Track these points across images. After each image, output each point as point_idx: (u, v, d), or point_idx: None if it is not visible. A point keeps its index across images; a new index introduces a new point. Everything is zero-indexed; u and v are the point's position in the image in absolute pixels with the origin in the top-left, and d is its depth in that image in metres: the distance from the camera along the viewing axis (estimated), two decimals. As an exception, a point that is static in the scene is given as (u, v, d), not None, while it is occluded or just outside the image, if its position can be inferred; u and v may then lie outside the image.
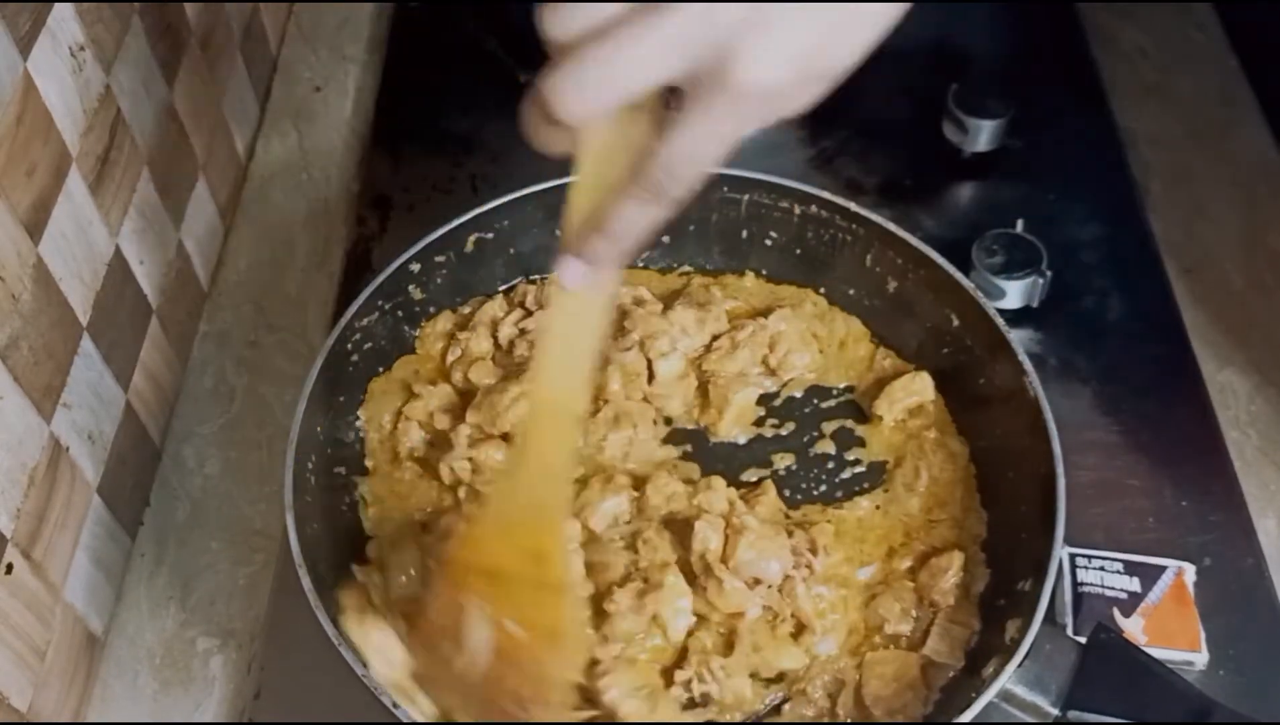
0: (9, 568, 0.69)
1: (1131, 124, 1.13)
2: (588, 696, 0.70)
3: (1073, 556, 0.80)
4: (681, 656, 0.74)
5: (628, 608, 0.73)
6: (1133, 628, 0.77)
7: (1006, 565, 0.76)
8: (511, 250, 0.91)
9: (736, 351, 0.87)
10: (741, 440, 0.86)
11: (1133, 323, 0.96)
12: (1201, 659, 0.77)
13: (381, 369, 0.87)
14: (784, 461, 0.85)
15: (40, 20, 0.74)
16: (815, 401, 0.88)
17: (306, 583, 0.71)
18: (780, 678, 0.74)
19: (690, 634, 0.74)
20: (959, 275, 0.85)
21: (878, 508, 0.82)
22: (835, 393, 0.89)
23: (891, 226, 0.87)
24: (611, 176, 0.54)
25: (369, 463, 0.84)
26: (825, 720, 0.73)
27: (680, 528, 0.77)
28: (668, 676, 0.74)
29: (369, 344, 0.86)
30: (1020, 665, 0.67)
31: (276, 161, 1.13)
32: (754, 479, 0.83)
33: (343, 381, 0.84)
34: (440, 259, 0.89)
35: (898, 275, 0.89)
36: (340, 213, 1.08)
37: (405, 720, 0.66)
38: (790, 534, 0.77)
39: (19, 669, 0.71)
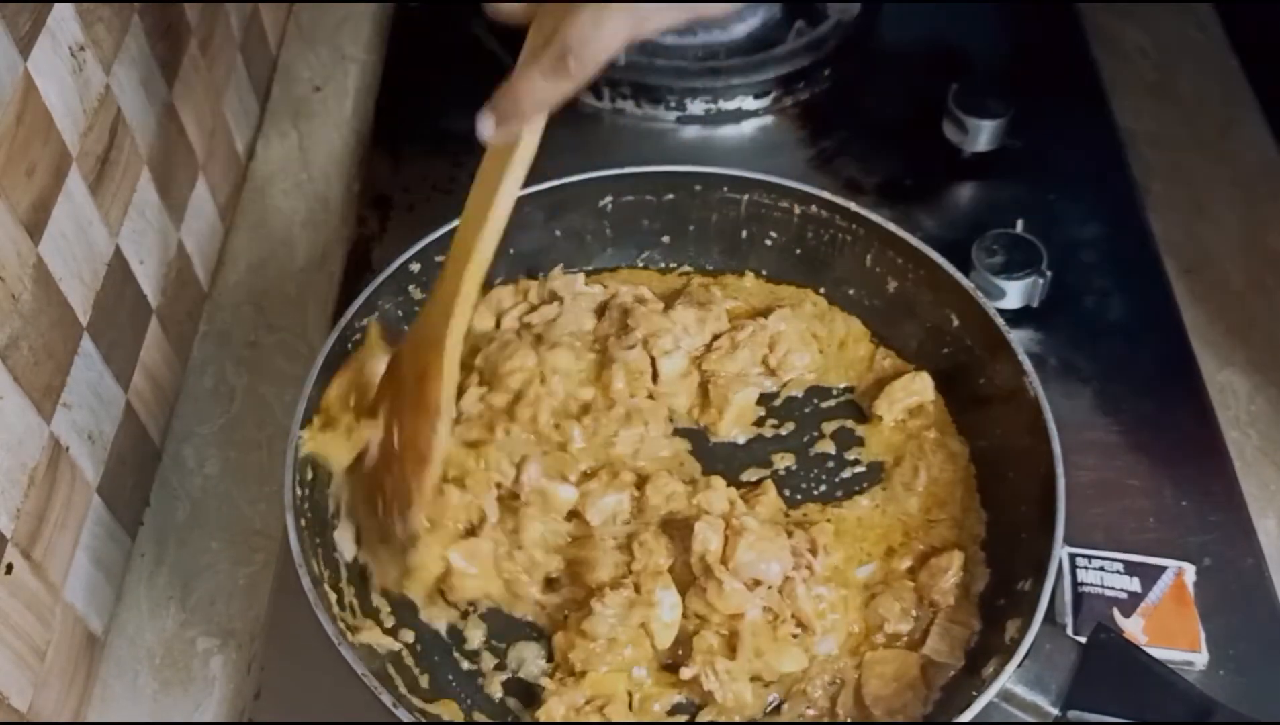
0: (9, 568, 0.69)
1: (1131, 124, 1.13)
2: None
3: (1073, 556, 0.80)
4: (685, 653, 0.74)
5: (614, 615, 0.73)
6: (1133, 628, 0.77)
7: (1006, 565, 0.76)
8: (511, 250, 0.91)
9: (736, 351, 0.87)
10: (741, 440, 0.86)
11: (1133, 323, 0.96)
12: (1201, 659, 0.77)
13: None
14: (784, 461, 0.85)
15: (40, 20, 0.74)
16: (815, 401, 0.88)
17: (306, 582, 0.71)
18: (780, 678, 0.74)
19: (695, 633, 0.74)
20: (959, 275, 0.85)
21: (877, 506, 0.82)
22: (835, 393, 0.89)
23: (891, 226, 0.87)
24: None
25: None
26: (825, 720, 0.73)
27: (680, 528, 0.77)
28: (671, 673, 0.74)
29: (369, 344, 0.86)
30: (1020, 665, 0.67)
31: (276, 161, 1.13)
32: (754, 479, 0.84)
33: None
34: (440, 259, 0.87)
35: (898, 275, 0.89)
36: (340, 213, 1.08)
37: (405, 720, 0.66)
38: (790, 534, 0.77)
39: (19, 669, 0.71)
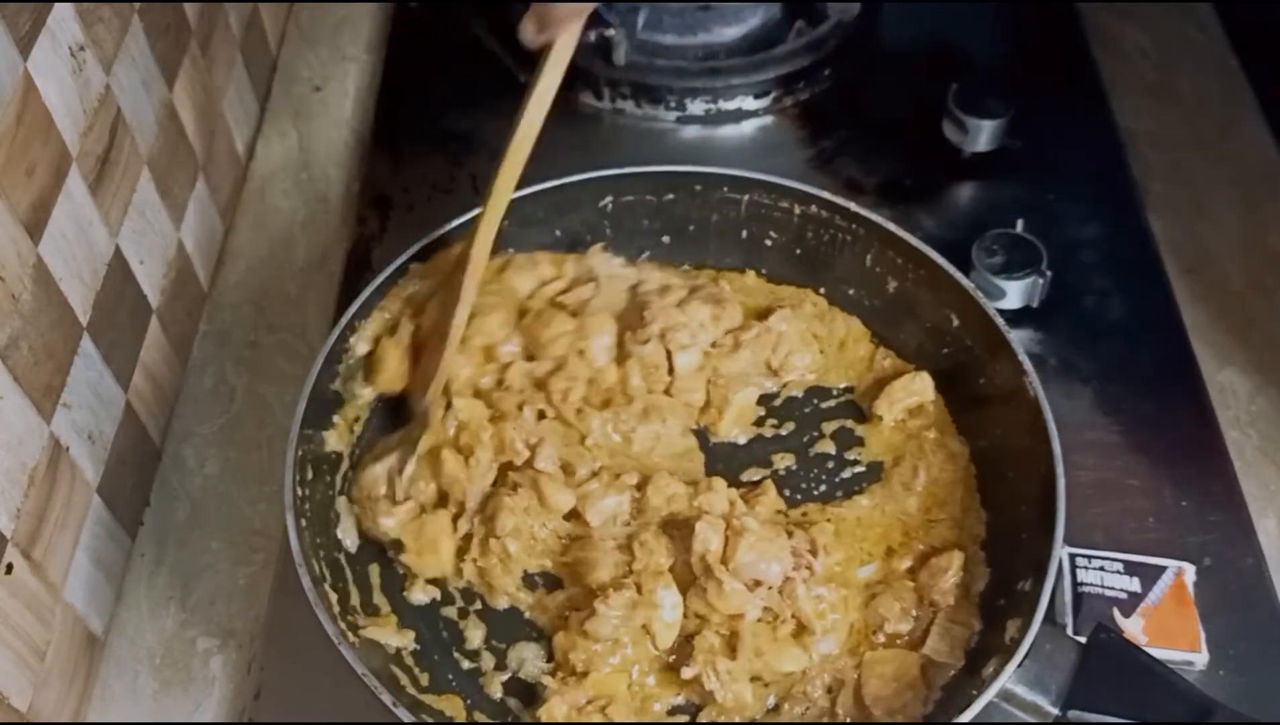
0: (9, 568, 0.69)
1: (1131, 124, 1.13)
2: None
3: (1073, 556, 0.80)
4: (686, 653, 0.74)
5: (618, 615, 0.73)
6: (1133, 628, 0.77)
7: (1006, 565, 0.76)
8: (511, 250, 0.91)
9: (739, 352, 0.87)
10: (741, 440, 0.86)
11: (1133, 323, 0.96)
12: (1201, 659, 0.77)
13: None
14: (784, 461, 0.85)
15: (40, 20, 0.74)
16: (815, 401, 0.88)
17: (306, 582, 0.71)
18: (780, 678, 0.74)
19: (697, 633, 0.74)
20: (959, 275, 0.85)
21: (877, 505, 0.82)
22: (835, 393, 0.89)
23: (891, 226, 0.87)
24: None
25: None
26: (825, 720, 0.73)
27: (680, 528, 0.77)
28: (672, 673, 0.74)
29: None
30: (1020, 665, 0.67)
31: (276, 161, 1.13)
32: (754, 479, 0.84)
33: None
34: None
35: (898, 275, 0.89)
36: (340, 213, 1.08)
37: (406, 720, 0.66)
38: (790, 534, 0.77)
39: (19, 669, 0.71)
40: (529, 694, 0.75)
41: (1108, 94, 1.14)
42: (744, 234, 0.93)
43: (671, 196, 0.92)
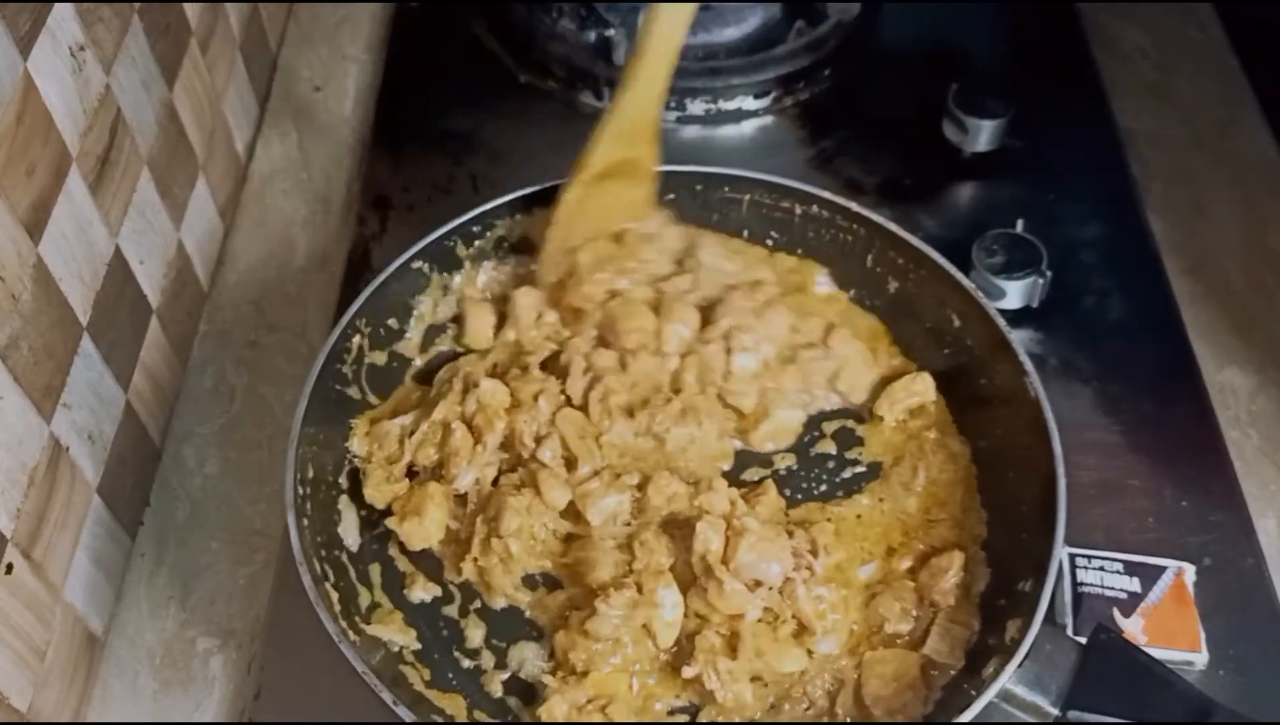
0: (9, 568, 0.69)
1: (1131, 124, 1.13)
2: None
3: (1073, 557, 0.80)
4: (686, 653, 0.74)
5: (618, 615, 0.73)
6: (1133, 628, 0.77)
7: (1007, 565, 0.76)
8: (508, 243, 0.91)
9: (795, 367, 0.86)
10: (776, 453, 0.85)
11: (1133, 323, 0.96)
12: (1201, 659, 0.77)
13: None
14: (784, 461, 0.85)
15: (40, 20, 0.74)
16: (815, 401, 0.88)
17: (307, 580, 0.71)
18: (780, 678, 0.74)
19: (697, 633, 0.74)
20: (959, 275, 0.85)
21: (878, 503, 0.82)
22: (836, 393, 0.89)
23: (892, 226, 0.87)
24: None
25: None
26: (825, 720, 0.73)
27: (681, 528, 0.77)
28: (672, 672, 0.74)
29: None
30: (1020, 665, 0.67)
31: (276, 161, 1.13)
32: (755, 479, 0.84)
33: (343, 381, 0.84)
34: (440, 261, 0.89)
35: (899, 275, 0.89)
36: (340, 213, 1.08)
37: (407, 720, 0.66)
38: (791, 534, 0.77)
39: (19, 669, 0.71)
40: (529, 693, 0.75)
41: (1108, 94, 1.14)
42: (745, 234, 0.93)
43: (672, 196, 0.92)
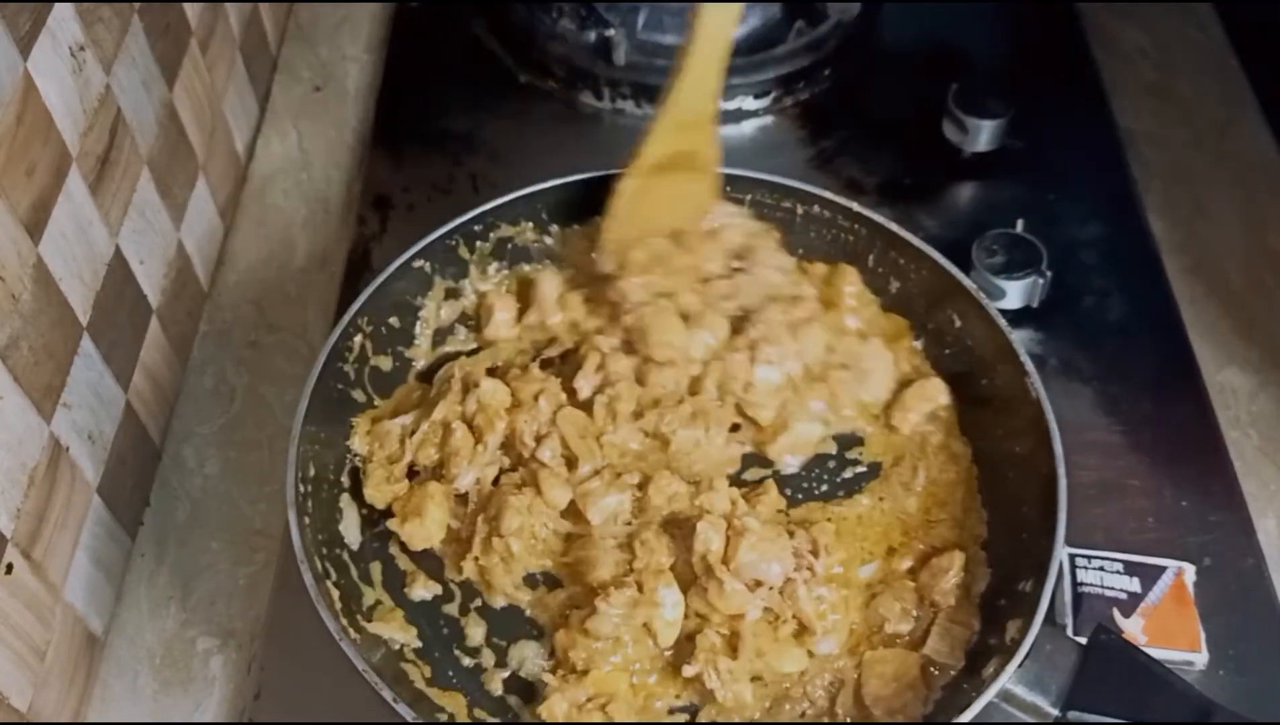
0: (9, 568, 0.69)
1: (1131, 124, 1.13)
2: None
3: (1073, 557, 0.80)
4: (686, 652, 0.74)
5: (618, 614, 0.73)
6: (1133, 628, 0.77)
7: (1007, 565, 0.76)
8: (509, 244, 0.91)
9: (822, 385, 0.85)
10: (794, 467, 0.84)
11: (1133, 323, 0.96)
12: (1201, 659, 0.77)
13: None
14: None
15: (40, 20, 0.74)
16: (816, 401, 0.88)
17: (308, 578, 0.71)
18: (780, 678, 0.74)
19: (698, 632, 0.74)
20: (960, 275, 0.85)
21: (881, 500, 0.82)
22: (836, 392, 0.89)
23: (893, 226, 0.87)
24: None
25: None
26: (825, 720, 0.73)
27: (681, 527, 0.77)
28: (674, 670, 0.74)
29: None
30: (1020, 665, 0.67)
31: (276, 161, 1.13)
32: (756, 479, 0.84)
33: (344, 381, 0.84)
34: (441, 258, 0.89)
35: (899, 275, 0.89)
36: (340, 213, 1.08)
37: (407, 718, 0.66)
38: (791, 534, 0.77)
39: (19, 669, 0.71)
40: (529, 691, 0.75)
41: (1108, 94, 1.14)
42: (744, 234, 0.93)
43: (672, 196, 0.92)
